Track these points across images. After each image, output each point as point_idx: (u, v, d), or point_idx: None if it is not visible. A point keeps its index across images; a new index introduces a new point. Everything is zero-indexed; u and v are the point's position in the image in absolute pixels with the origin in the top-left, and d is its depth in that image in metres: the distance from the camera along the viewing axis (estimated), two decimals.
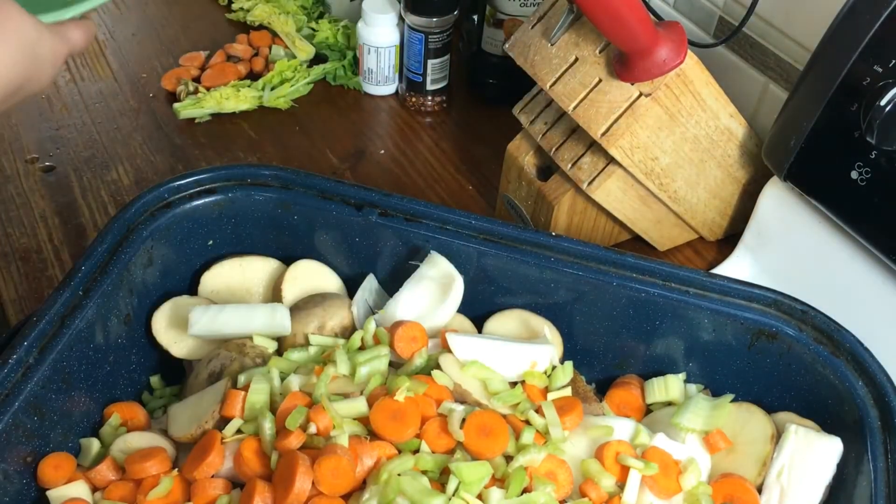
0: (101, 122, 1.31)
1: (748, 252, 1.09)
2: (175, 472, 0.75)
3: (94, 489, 0.76)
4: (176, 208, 0.89)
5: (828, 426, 0.82)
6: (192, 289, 0.92)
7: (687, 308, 0.87)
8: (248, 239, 0.94)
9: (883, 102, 0.85)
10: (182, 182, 0.90)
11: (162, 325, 0.87)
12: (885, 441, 0.77)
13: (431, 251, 0.89)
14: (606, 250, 0.88)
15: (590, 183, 1.00)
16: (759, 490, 0.80)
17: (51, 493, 0.73)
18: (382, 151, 1.30)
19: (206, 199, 0.91)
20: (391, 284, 0.91)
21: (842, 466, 0.79)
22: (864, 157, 0.89)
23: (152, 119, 1.32)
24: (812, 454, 0.80)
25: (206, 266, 0.92)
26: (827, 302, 0.86)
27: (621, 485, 0.76)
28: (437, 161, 1.28)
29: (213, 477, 0.74)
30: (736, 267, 1.09)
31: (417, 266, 0.89)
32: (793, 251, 1.04)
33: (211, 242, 0.93)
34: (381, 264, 0.93)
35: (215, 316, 0.85)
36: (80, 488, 0.74)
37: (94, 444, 0.79)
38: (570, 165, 1.02)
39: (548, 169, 1.09)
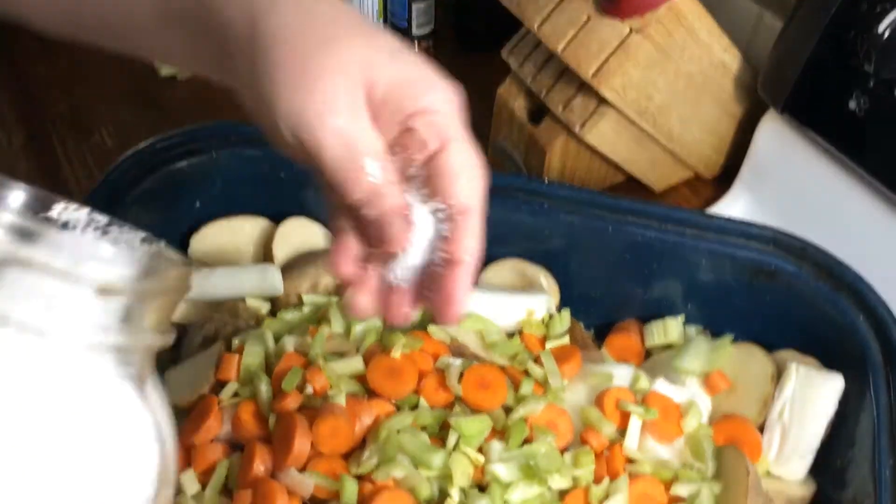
0: (81, 82, 1.28)
1: (745, 189, 1.08)
2: None
3: None
4: (159, 171, 0.87)
5: (829, 363, 0.82)
6: (182, 251, 0.90)
7: (684, 249, 0.86)
8: (236, 198, 0.92)
9: (880, 29, 0.82)
10: (164, 144, 0.88)
11: None
12: (888, 376, 0.76)
13: None
14: (601, 195, 0.87)
15: (582, 126, 0.98)
16: (761, 429, 0.80)
17: None
18: None
19: (191, 160, 0.89)
20: None
21: (844, 403, 0.79)
22: (862, 87, 0.87)
23: (133, 77, 1.29)
24: (813, 392, 0.79)
25: (194, 228, 0.90)
26: (827, 237, 0.84)
27: (622, 431, 0.75)
28: None
29: (212, 441, 0.73)
30: (733, 204, 1.07)
31: None
32: (790, 186, 1.02)
33: (198, 204, 0.91)
34: None
35: (205, 279, 0.84)
36: None
37: None
38: (561, 108, 0.99)
39: (539, 112, 1.06)
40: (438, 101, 0.53)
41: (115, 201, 0.83)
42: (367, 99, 0.51)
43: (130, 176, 0.86)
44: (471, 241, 0.56)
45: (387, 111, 0.52)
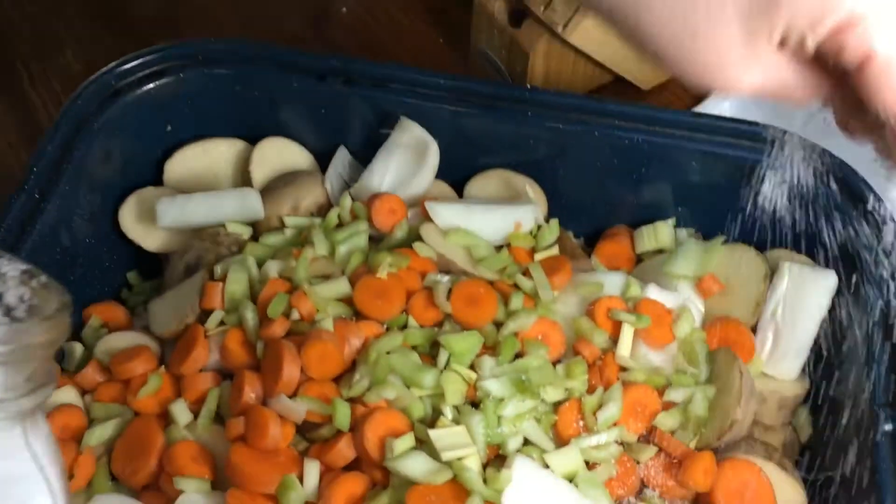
0: (43, 2, 1.22)
1: None
2: (162, 369, 0.73)
3: (83, 392, 0.75)
4: (126, 95, 0.84)
5: (822, 260, 0.81)
6: (156, 179, 0.88)
7: (673, 151, 0.83)
8: (208, 120, 0.88)
9: None
10: (128, 66, 0.84)
11: (130, 221, 0.84)
12: (881, 270, 0.75)
13: (402, 117, 0.84)
14: (586, 99, 0.84)
15: (565, 26, 0.94)
16: (754, 330, 0.79)
17: None
18: (344, 10, 1.22)
19: (158, 82, 0.85)
20: (364, 155, 0.87)
21: (837, 299, 0.78)
22: None
23: None
24: (806, 290, 0.78)
25: (168, 154, 0.88)
26: (819, 135, 0.82)
27: (615, 340, 0.75)
28: (405, 15, 1.21)
29: (200, 371, 0.72)
30: (723, 102, 1.04)
31: (389, 134, 0.85)
32: None
33: (169, 128, 0.88)
34: (351, 135, 0.88)
35: (183, 206, 0.81)
36: (68, 394, 0.73)
37: (77, 348, 0.77)
38: (542, 8, 0.95)
39: (520, 14, 1.02)
40: None
41: (81, 129, 0.80)
42: None
43: (96, 102, 0.82)
44: None
45: None
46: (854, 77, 0.48)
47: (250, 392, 0.68)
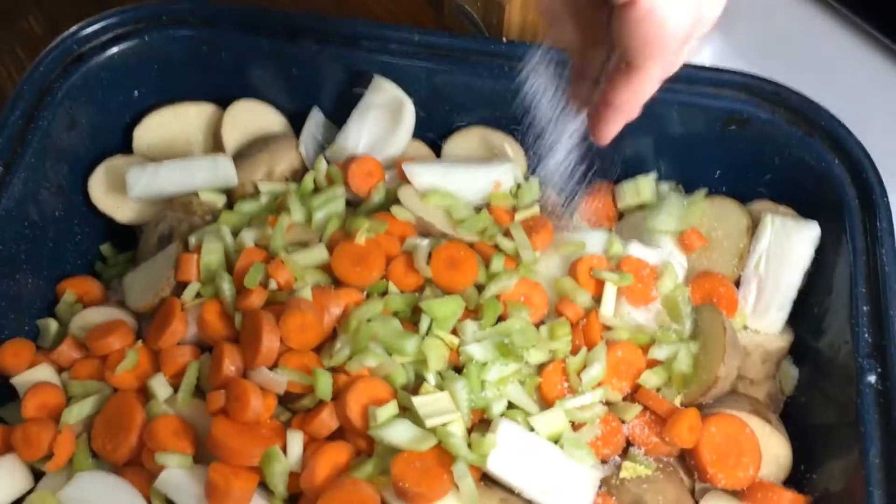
0: None
1: (717, 30, 1.02)
2: (139, 343, 0.72)
3: (60, 370, 0.73)
4: (89, 60, 0.81)
5: (805, 211, 0.80)
6: (126, 146, 0.85)
7: (654, 103, 0.80)
8: (176, 84, 0.86)
9: None
10: (90, 30, 0.81)
11: (100, 192, 0.82)
12: (864, 220, 0.74)
13: (376, 75, 0.82)
14: (564, 52, 0.81)
15: None
16: (738, 284, 0.79)
17: (15, 381, 0.71)
18: None
19: (122, 46, 0.82)
20: (339, 115, 0.85)
21: (820, 251, 0.78)
22: None
23: None
24: (789, 241, 0.78)
25: (137, 119, 0.85)
26: (802, 80, 0.80)
27: (598, 299, 0.74)
28: None
29: (178, 345, 0.71)
30: (704, 48, 1.02)
31: (363, 94, 0.82)
32: (763, 26, 0.97)
33: (136, 93, 0.85)
34: (325, 95, 0.86)
35: (154, 175, 0.79)
36: (45, 371, 0.72)
37: (52, 325, 0.76)
38: None
39: None
40: None
41: (45, 97, 0.78)
42: None
43: (59, 68, 0.79)
44: None
45: None
46: (615, 15, 0.52)
47: (230, 365, 0.67)
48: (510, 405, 0.68)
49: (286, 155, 0.82)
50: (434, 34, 0.82)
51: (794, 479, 0.72)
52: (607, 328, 0.73)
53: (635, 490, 0.68)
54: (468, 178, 0.79)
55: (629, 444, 0.70)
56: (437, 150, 0.86)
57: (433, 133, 0.86)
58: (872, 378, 0.67)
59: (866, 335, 0.69)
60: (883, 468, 0.63)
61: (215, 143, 0.85)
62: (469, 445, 0.64)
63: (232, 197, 0.81)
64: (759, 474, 0.69)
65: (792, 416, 0.76)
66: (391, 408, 0.65)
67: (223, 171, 0.80)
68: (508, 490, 0.65)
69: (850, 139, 0.78)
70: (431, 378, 0.67)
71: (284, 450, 0.65)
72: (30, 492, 0.67)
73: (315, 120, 0.85)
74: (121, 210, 0.82)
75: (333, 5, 1.12)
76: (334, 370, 0.67)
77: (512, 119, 0.84)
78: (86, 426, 0.69)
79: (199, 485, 0.64)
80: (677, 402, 0.71)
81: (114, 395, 0.70)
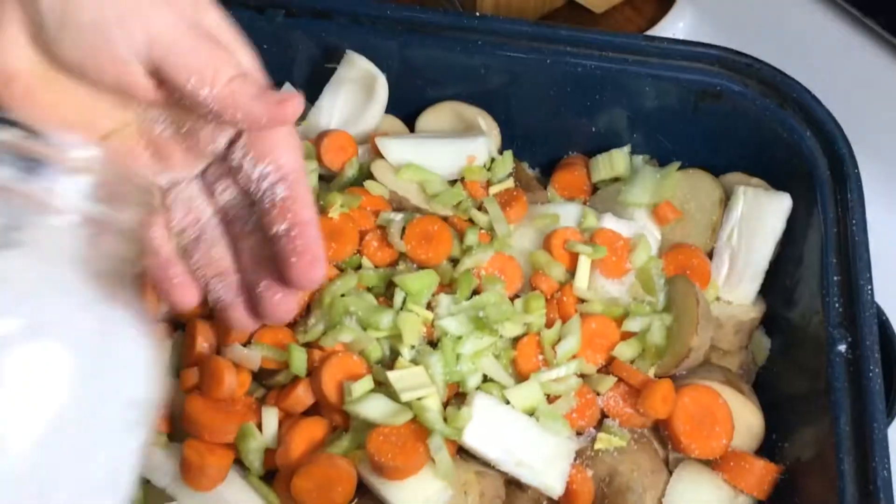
0: None
1: (689, 3, 1.02)
2: None
3: None
4: None
5: (777, 182, 0.80)
6: None
7: (627, 77, 0.82)
8: None
9: None
10: None
11: None
12: (835, 191, 0.75)
13: (348, 50, 0.81)
14: (537, 26, 0.81)
15: None
16: (711, 256, 0.79)
17: None
18: None
19: None
20: (311, 92, 0.84)
21: (792, 222, 0.78)
22: None
23: None
24: (761, 213, 0.78)
25: None
26: (774, 53, 0.80)
27: (572, 272, 0.74)
28: None
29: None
30: (677, 22, 1.02)
31: (335, 69, 0.82)
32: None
33: None
34: (297, 71, 0.85)
35: None
36: None
37: None
38: None
39: None
40: None
41: None
42: None
43: None
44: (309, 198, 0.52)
45: None
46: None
47: (203, 342, 0.67)
48: (485, 378, 0.68)
49: None
50: (407, 9, 0.81)
51: (766, 448, 0.73)
52: (581, 301, 0.73)
53: (610, 461, 0.68)
54: (442, 153, 0.79)
55: (604, 415, 0.71)
56: (410, 125, 0.86)
57: (406, 107, 0.85)
58: (843, 347, 0.67)
59: (837, 305, 0.70)
60: (852, 436, 0.64)
61: None
62: (444, 419, 0.64)
63: None
64: (732, 444, 0.70)
65: (764, 385, 0.77)
66: (366, 382, 0.65)
67: None
68: (484, 463, 0.66)
69: (821, 111, 0.78)
70: (406, 352, 0.67)
71: (260, 426, 0.65)
72: None
73: None
74: None
75: None
76: (309, 346, 0.67)
77: (485, 93, 0.84)
78: None
79: (174, 462, 0.64)
80: (651, 373, 0.71)
81: None
